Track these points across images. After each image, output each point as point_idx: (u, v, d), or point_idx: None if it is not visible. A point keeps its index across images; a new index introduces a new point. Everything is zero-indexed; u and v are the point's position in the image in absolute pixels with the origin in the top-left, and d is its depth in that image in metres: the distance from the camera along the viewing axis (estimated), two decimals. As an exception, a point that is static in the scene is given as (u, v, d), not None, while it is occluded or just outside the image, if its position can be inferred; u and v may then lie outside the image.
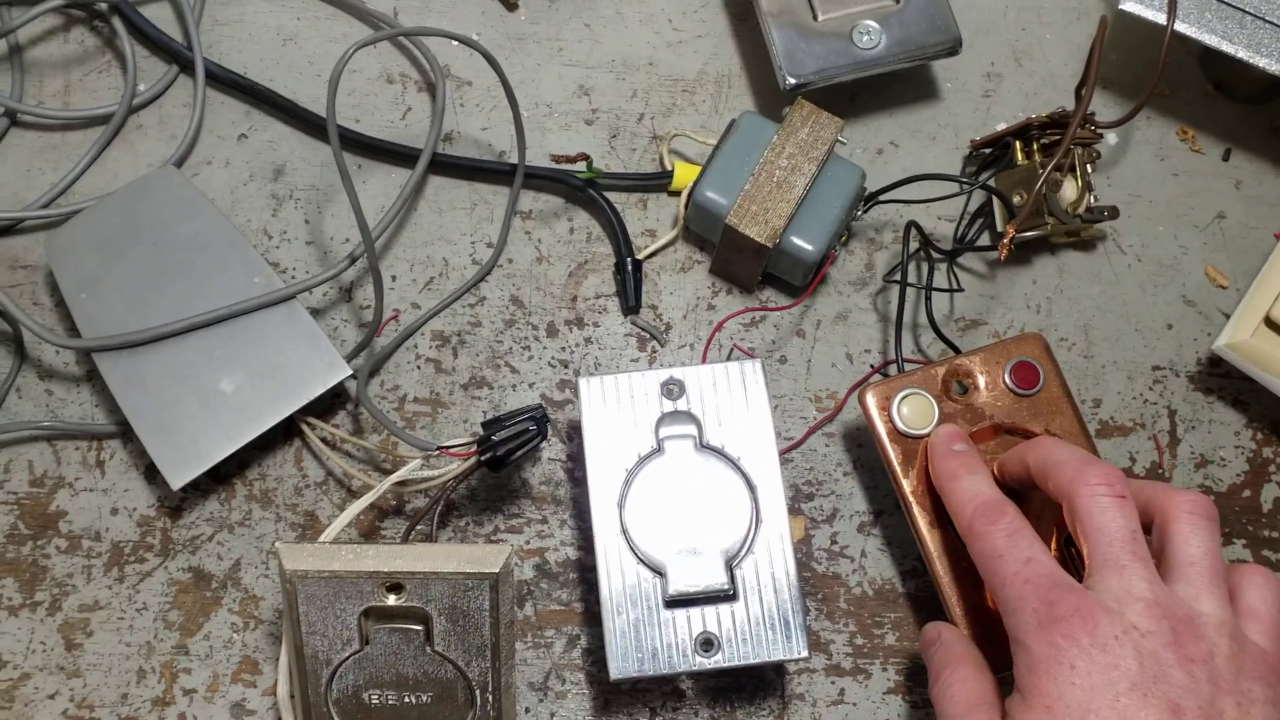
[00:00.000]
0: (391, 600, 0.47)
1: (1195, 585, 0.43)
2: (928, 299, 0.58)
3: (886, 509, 0.58)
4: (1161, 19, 0.58)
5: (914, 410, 0.53)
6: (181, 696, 0.54)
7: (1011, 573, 0.44)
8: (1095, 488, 0.45)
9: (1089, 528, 0.44)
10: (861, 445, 0.59)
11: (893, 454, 0.53)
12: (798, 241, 0.56)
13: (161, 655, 0.55)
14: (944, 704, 0.46)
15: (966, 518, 0.47)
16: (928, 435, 0.53)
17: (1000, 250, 0.53)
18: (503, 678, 0.49)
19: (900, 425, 0.53)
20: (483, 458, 0.51)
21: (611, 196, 0.61)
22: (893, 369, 0.57)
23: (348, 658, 0.48)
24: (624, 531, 0.51)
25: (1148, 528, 0.46)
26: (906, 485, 0.53)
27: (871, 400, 0.54)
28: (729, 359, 0.59)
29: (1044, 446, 0.48)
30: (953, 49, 0.60)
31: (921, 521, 0.53)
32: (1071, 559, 0.52)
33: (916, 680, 0.55)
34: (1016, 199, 0.59)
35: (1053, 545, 0.52)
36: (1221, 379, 0.61)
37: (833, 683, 0.55)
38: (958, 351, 0.56)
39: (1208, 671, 0.41)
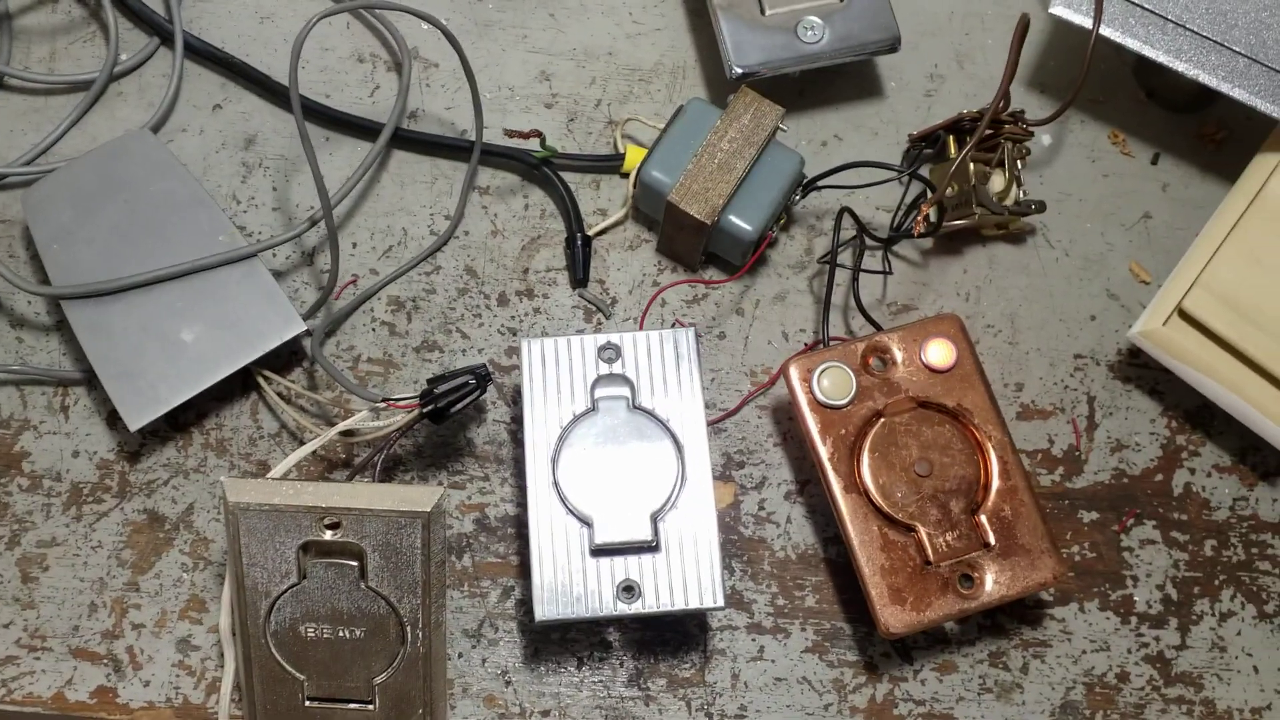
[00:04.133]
0: (329, 536, 0.50)
1: None
2: (855, 280, 0.61)
3: (813, 479, 0.60)
4: (1088, 23, 0.61)
5: (833, 382, 0.56)
6: (130, 630, 0.57)
7: None
8: None
9: None
10: (792, 419, 0.61)
11: (811, 422, 0.56)
12: (736, 220, 0.59)
13: (113, 591, 0.57)
14: None
15: None
16: (845, 406, 0.56)
17: (915, 224, 0.56)
18: (433, 615, 0.51)
19: (820, 396, 0.56)
20: (424, 409, 0.54)
21: (566, 176, 0.64)
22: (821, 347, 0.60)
23: (285, 590, 0.51)
24: (555, 484, 0.54)
25: None
26: (824, 452, 0.56)
27: (794, 371, 0.57)
28: (669, 332, 0.62)
29: None
30: (892, 46, 0.63)
31: (836, 486, 0.55)
32: (975, 526, 0.55)
33: (834, 641, 0.58)
34: (949, 191, 0.62)
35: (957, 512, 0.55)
36: (1140, 369, 0.63)
37: (753, 640, 0.58)
38: (880, 330, 0.59)
39: None
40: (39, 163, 0.64)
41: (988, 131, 0.62)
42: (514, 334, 0.63)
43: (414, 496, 0.50)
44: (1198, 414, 0.63)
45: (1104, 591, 0.60)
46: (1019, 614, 0.59)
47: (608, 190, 0.66)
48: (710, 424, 0.60)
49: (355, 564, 0.50)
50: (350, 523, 0.50)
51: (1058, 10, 0.61)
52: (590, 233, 0.63)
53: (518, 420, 0.61)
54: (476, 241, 0.64)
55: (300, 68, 0.66)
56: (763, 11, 0.63)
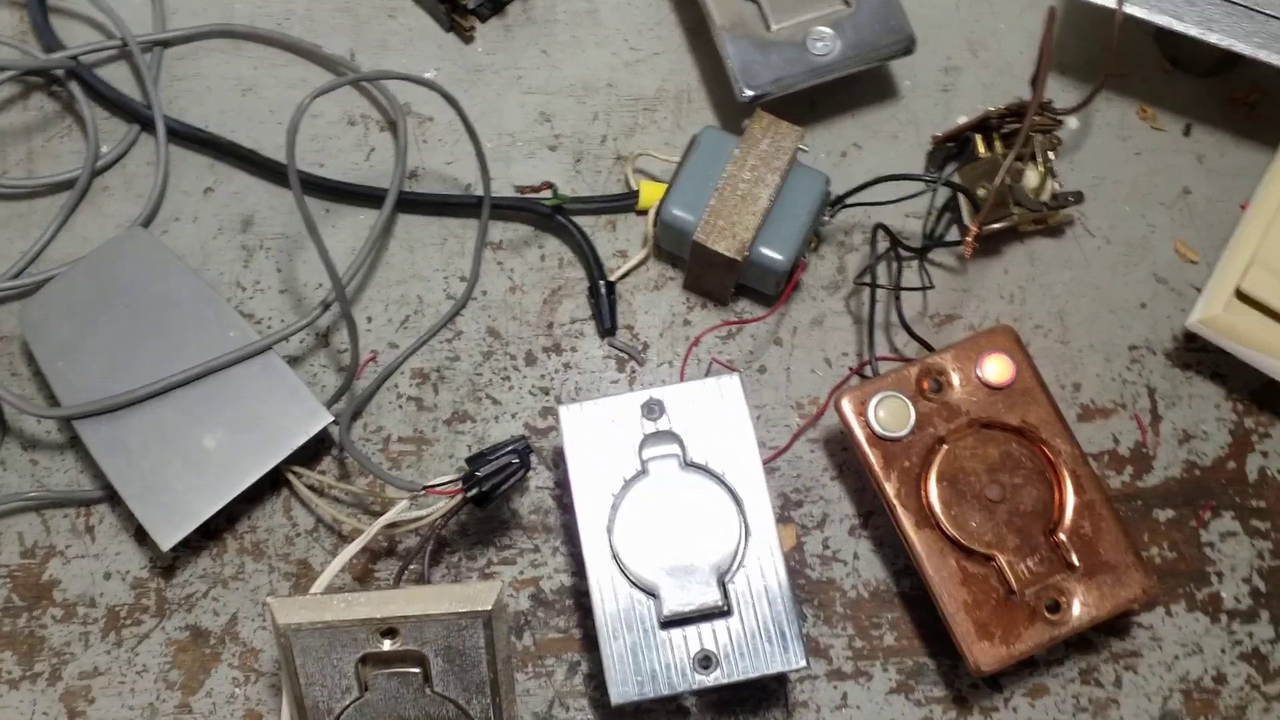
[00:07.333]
0: (387, 645, 0.47)
1: None
2: (897, 299, 0.58)
3: (876, 510, 0.58)
4: (1112, 2, 0.58)
5: (891, 413, 0.54)
6: (189, 755, 0.54)
7: None
8: None
9: None
10: (845, 449, 0.59)
11: (873, 458, 0.53)
12: (767, 252, 0.57)
13: (165, 716, 0.55)
14: None
15: None
16: (906, 437, 0.53)
17: (965, 248, 0.53)
18: (504, 712, 0.49)
19: (878, 429, 0.54)
20: (469, 494, 0.51)
21: (580, 220, 0.61)
22: (870, 371, 0.57)
23: (348, 705, 0.48)
24: (615, 556, 0.51)
25: None
26: (889, 489, 0.53)
27: (848, 406, 0.54)
28: (708, 373, 0.59)
29: None
30: (907, 48, 0.60)
31: (907, 523, 0.53)
32: (1055, 547, 0.53)
33: (918, 678, 0.55)
34: (981, 192, 0.59)
35: (1040, 536, 0.52)
36: (1199, 353, 0.61)
37: (835, 687, 0.55)
38: (930, 350, 0.57)
39: None
40: (29, 273, 0.61)
41: (1014, 126, 0.59)
42: (546, 393, 0.60)
43: (471, 594, 0.47)
44: (1264, 394, 0.60)
45: (1189, 592, 0.57)
46: (1105, 626, 0.56)
47: (625, 230, 0.63)
48: (762, 464, 0.57)
49: (418, 670, 0.48)
50: (408, 630, 0.47)
51: (1077, -8, 0.58)
52: (613, 278, 0.61)
53: (561, 484, 0.58)
54: (496, 300, 0.61)
55: (290, 139, 0.63)
56: (768, 27, 0.60)
